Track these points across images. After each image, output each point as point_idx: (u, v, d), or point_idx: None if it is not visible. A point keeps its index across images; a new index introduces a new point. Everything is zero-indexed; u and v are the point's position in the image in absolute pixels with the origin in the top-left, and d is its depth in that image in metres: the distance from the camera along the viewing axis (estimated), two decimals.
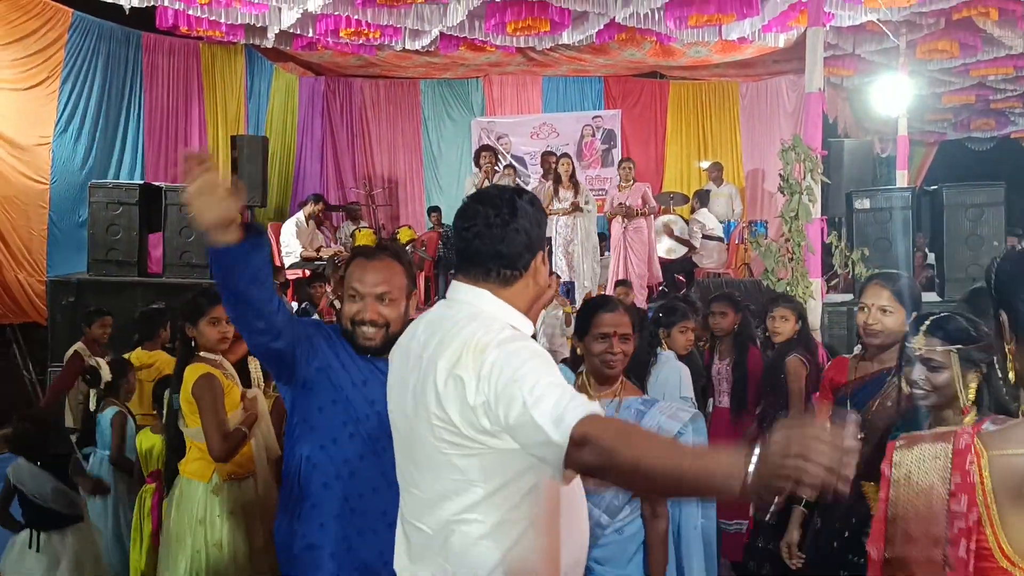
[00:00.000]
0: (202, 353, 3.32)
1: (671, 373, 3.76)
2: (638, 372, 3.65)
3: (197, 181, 1.86)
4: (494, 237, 1.73)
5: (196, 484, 3.27)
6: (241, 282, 2.07)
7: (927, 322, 2.37)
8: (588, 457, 1.45)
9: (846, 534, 2.86)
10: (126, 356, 4.92)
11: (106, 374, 4.44)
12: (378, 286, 2.34)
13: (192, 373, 3.21)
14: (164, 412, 3.60)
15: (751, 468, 1.27)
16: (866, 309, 2.92)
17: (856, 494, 2.88)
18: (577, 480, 1.76)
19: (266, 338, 2.22)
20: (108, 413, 4.33)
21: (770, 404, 4.16)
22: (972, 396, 2.25)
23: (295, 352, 2.29)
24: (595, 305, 2.72)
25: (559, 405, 1.50)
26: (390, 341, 2.28)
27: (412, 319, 2.15)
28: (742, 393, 4.46)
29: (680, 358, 4.18)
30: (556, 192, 8.93)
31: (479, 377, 1.59)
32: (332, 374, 2.33)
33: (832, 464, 1.22)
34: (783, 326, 4.26)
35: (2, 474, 3.79)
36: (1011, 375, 1.42)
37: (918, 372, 2.35)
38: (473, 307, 1.74)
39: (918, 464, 1.42)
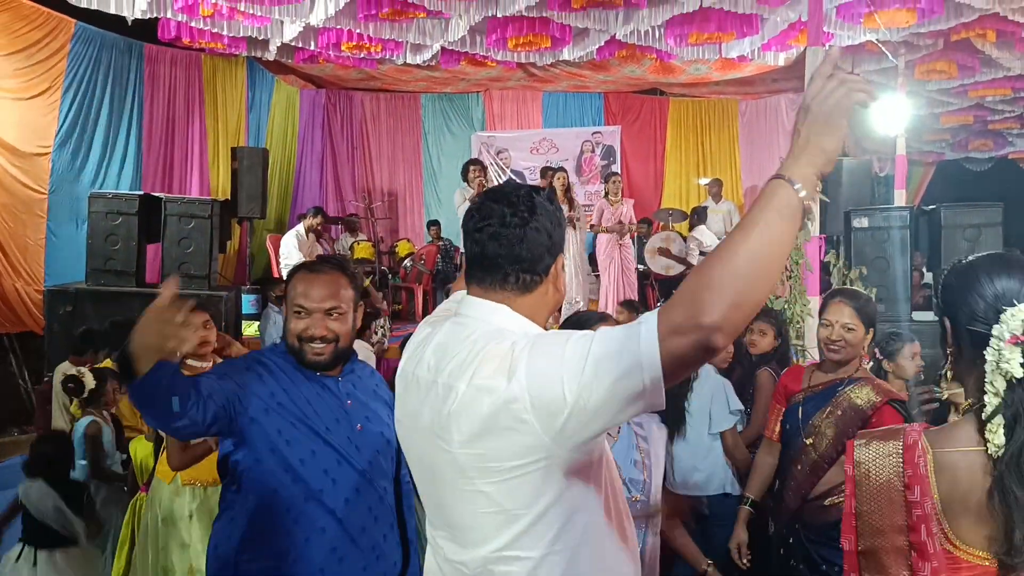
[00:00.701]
0: (188, 361, 3.35)
1: (716, 387, 3.74)
2: (676, 388, 3.71)
3: (164, 310, 1.88)
4: (512, 237, 1.54)
5: (162, 484, 3.33)
6: (159, 404, 2.01)
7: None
8: (677, 317, 1.26)
9: (791, 540, 2.96)
10: (103, 365, 4.94)
11: (89, 382, 4.43)
12: (326, 301, 2.26)
13: None
14: None
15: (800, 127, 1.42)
16: (829, 325, 3.06)
17: (802, 501, 3.00)
18: (625, 510, 1.65)
19: (206, 426, 2.12)
20: (83, 423, 4.31)
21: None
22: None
23: (243, 432, 2.18)
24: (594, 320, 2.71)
25: (617, 330, 1.34)
26: (339, 356, 2.30)
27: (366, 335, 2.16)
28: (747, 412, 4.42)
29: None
30: None
31: (511, 371, 1.40)
32: (286, 409, 2.20)
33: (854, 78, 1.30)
34: (760, 340, 4.23)
35: (9, 483, 3.80)
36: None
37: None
38: (489, 325, 1.55)
39: (874, 461, 1.53)
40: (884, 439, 1.54)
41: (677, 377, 1.31)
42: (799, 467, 3.02)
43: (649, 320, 1.30)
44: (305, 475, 2.16)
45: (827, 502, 2.95)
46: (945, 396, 2.58)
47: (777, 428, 3.25)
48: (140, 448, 3.94)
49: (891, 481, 1.49)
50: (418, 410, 1.59)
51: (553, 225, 1.58)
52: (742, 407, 3.84)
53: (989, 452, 1.41)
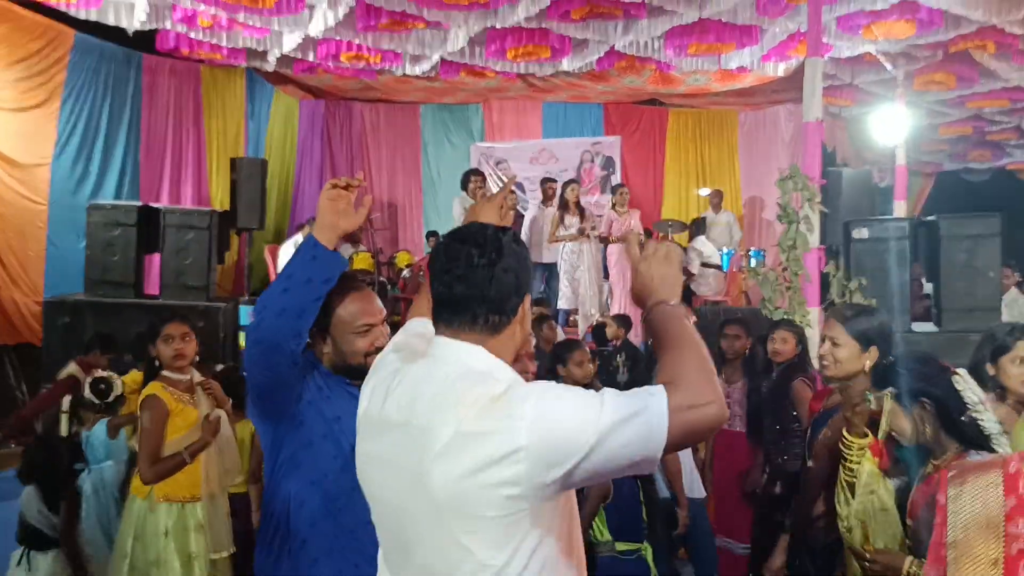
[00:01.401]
0: (164, 372, 3.38)
1: None
2: None
3: (342, 193, 2.15)
4: (480, 279, 1.54)
5: (136, 499, 3.32)
6: (321, 289, 2.10)
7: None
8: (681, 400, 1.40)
9: (796, 562, 2.97)
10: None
11: (118, 389, 4.43)
12: (381, 312, 2.31)
13: (145, 392, 3.29)
14: None
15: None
16: (822, 340, 2.95)
17: (829, 521, 2.94)
18: (578, 537, 1.65)
19: (287, 362, 2.12)
20: (100, 426, 4.30)
21: (773, 426, 4.20)
22: (934, 427, 2.34)
23: (296, 385, 2.18)
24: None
25: (627, 397, 1.42)
26: None
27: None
28: (758, 418, 4.47)
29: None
30: (562, 218, 8.94)
31: (510, 418, 1.41)
32: (322, 406, 2.21)
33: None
34: (783, 347, 4.33)
35: (8, 495, 3.81)
36: None
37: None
38: (463, 365, 1.54)
39: (972, 493, 1.48)
40: (984, 470, 1.49)
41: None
42: (805, 487, 3.05)
43: (659, 396, 1.41)
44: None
45: (823, 522, 2.93)
46: None
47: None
48: None
49: (990, 512, 1.43)
50: (389, 451, 1.57)
51: (520, 266, 1.59)
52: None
53: None
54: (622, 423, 1.38)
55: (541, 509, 1.46)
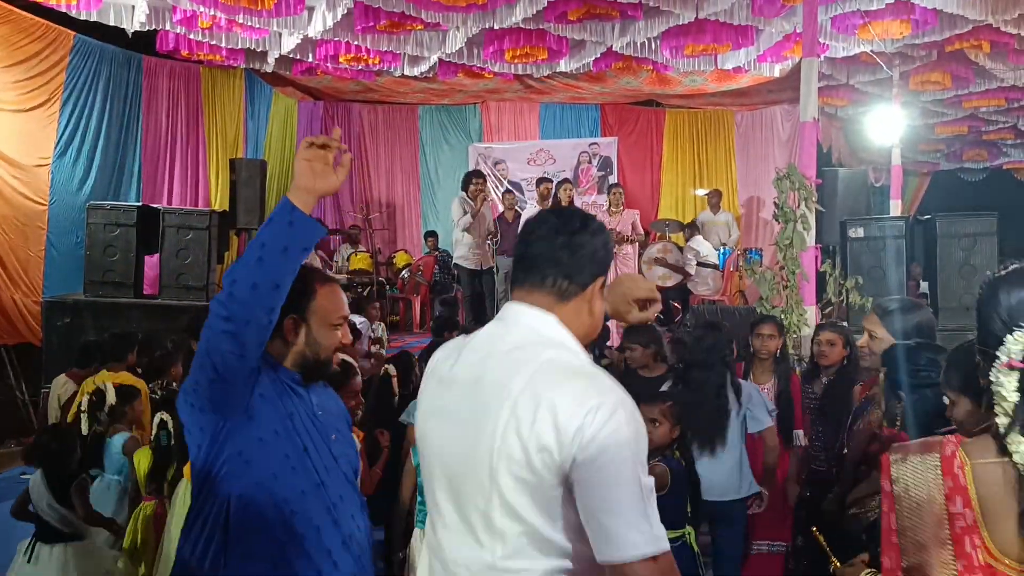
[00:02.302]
0: None
1: (750, 392, 4.02)
2: (721, 406, 3.87)
3: (319, 152, 1.92)
4: (557, 244, 1.63)
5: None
6: (299, 259, 1.93)
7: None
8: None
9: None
10: (91, 379, 4.94)
11: (111, 397, 4.43)
12: (347, 307, 2.21)
13: None
14: (154, 433, 3.65)
15: None
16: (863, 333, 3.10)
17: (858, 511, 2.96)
18: None
19: (256, 341, 1.91)
20: (119, 439, 4.30)
21: (828, 431, 4.04)
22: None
23: (255, 372, 1.98)
24: None
25: (654, 514, 1.48)
26: None
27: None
28: (789, 421, 4.42)
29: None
30: None
31: (585, 409, 1.46)
32: (277, 401, 2.02)
33: None
34: (830, 351, 4.22)
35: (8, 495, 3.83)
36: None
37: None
38: (537, 332, 1.61)
39: (913, 475, 1.53)
40: (921, 452, 1.54)
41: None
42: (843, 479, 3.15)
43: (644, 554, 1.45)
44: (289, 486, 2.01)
45: (851, 513, 2.93)
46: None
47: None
48: (143, 458, 3.95)
49: (932, 493, 1.49)
50: (454, 405, 1.63)
51: (598, 246, 1.66)
52: (774, 406, 4.06)
53: (1016, 463, 1.42)
54: (616, 532, 1.45)
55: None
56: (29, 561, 3.57)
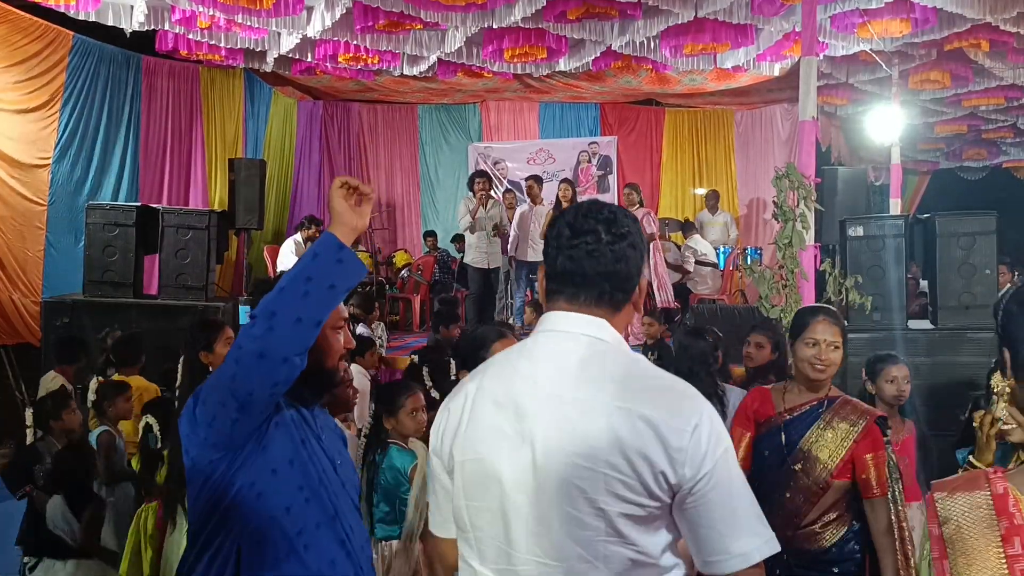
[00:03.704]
0: None
1: (738, 400, 3.82)
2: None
3: (353, 192, 1.91)
4: (609, 255, 1.54)
5: None
6: (339, 298, 1.87)
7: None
8: None
9: (777, 571, 2.87)
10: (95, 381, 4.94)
11: (91, 395, 4.43)
12: (344, 309, 2.09)
13: None
14: (140, 436, 3.63)
15: None
16: (816, 345, 2.93)
17: (795, 529, 2.89)
18: None
19: (286, 379, 1.82)
20: (96, 432, 4.31)
21: None
22: None
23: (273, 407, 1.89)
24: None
25: (766, 534, 1.50)
26: None
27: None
28: None
29: None
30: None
31: (692, 426, 1.45)
32: (290, 427, 1.93)
33: None
34: (757, 353, 4.29)
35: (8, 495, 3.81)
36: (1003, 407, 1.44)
37: (1000, 411, 2.42)
38: (597, 339, 1.54)
39: (965, 515, 1.40)
40: (969, 489, 1.41)
41: None
42: (788, 495, 2.91)
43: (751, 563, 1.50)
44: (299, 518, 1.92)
45: (818, 526, 2.89)
46: (994, 430, 2.51)
47: (741, 455, 3.02)
48: (135, 462, 3.94)
49: (986, 535, 1.37)
50: (518, 427, 1.50)
51: (642, 245, 1.61)
52: None
53: None
54: (723, 545, 1.48)
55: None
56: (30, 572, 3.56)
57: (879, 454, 2.88)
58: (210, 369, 3.25)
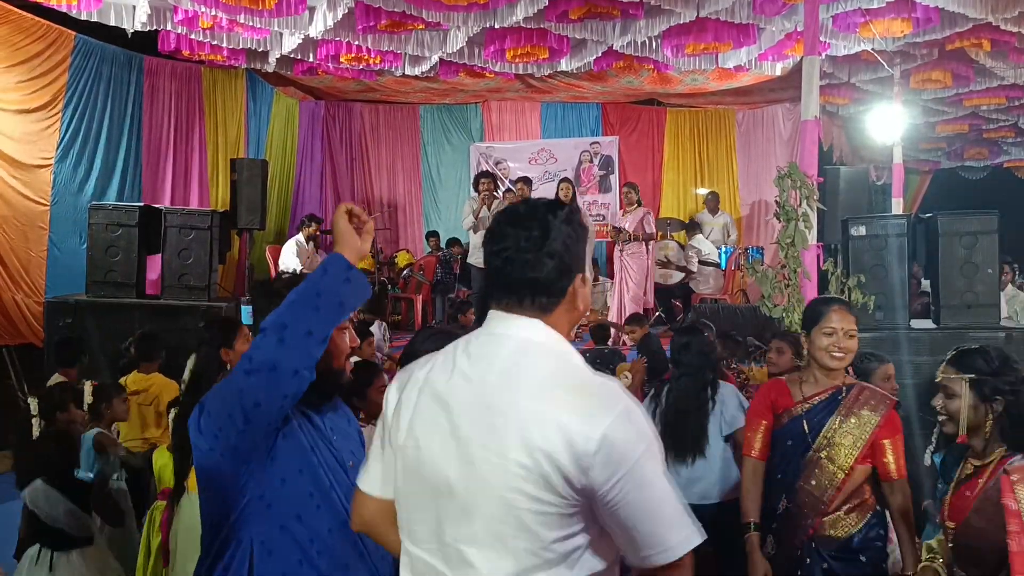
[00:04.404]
0: None
1: (727, 393, 3.96)
2: (700, 411, 3.83)
3: (356, 219, 1.95)
4: (525, 263, 1.56)
5: (196, 498, 3.29)
6: (345, 316, 1.91)
7: (951, 353, 2.55)
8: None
9: (807, 559, 2.93)
10: (122, 380, 4.95)
11: (87, 397, 4.44)
12: None
13: None
14: (172, 431, 3.63)
15: None
16: (833, 333, 3.01)
17: (809, 516, 2.96)
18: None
19: (295, 393, 1.86)
20: (90, 434, 4.31)
21: None
22: (988, 427, 2.40)
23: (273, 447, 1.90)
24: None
25: (683, 511, 1.52)
26: None
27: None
28: None
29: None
30: None
31: (597, 451, 1.43)
32: (298, 435, 1.95)
33: None
34: (778, 359, 4.43)
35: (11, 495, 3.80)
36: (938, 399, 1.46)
37: (937, 399, 2.55)
38: (530, 341, 1.57)
39: None
40: None
41: None
42: (814, 482, 2.97)
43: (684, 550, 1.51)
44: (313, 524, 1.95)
45: (843, 511, 2.94)
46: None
47: (759, 446, 3.15)
48: (159, 457, 3.94)
49: None
50: (452, 427, 1.55)
51: (567, 247, 1.58)
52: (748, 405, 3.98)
53: None
54: (653, 531, 1.48)
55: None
56: (51, 567, 3.55)
57: (897, 438, 2.98)
58: (228, 367, 3.26)
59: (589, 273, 1.69)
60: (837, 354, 3.00)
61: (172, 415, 3.71)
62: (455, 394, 1.57)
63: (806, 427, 3.02)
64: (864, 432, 2.93)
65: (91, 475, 4.21)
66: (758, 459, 3.15)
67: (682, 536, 1.49)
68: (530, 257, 1.56)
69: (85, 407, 4.49)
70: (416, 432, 1.61)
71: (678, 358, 3.97)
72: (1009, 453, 2.30)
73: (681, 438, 3.78)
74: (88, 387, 4.55)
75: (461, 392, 1.56)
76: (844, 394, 3.02)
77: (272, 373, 1.78)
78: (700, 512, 3.69)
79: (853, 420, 2.96)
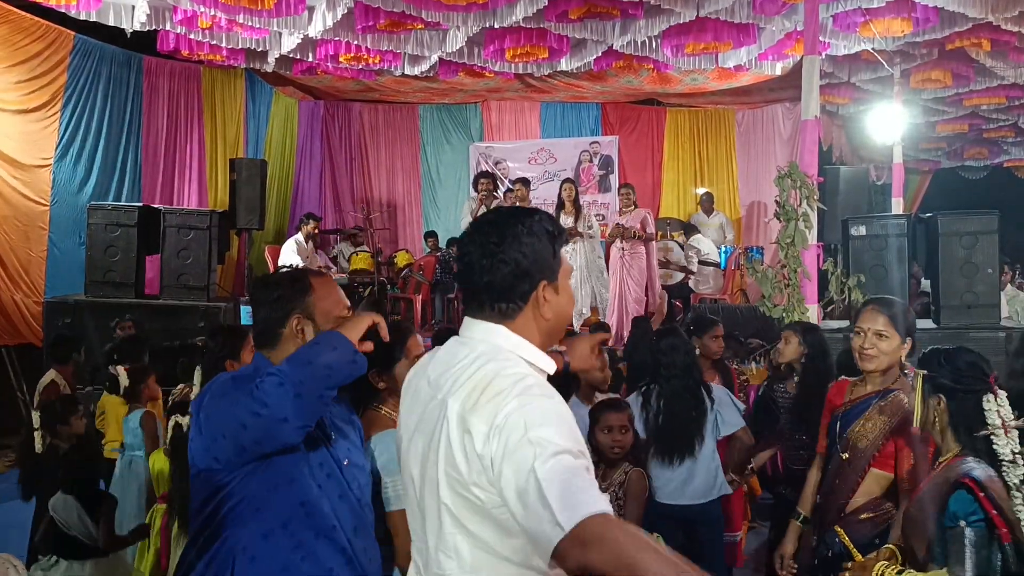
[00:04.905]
0: None
1: (721, 396, 3.99)
2: (695, 413, 3.85)
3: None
4: (480, 269, 1.60)
5: None
6: (347, 381, 1.96)
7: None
8: (593, 557, 1.29)
9: (829, 554, 2.94)
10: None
11: (124, 380, 4.49)
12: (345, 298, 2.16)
13: None
14: (170, 436, 3.63)
15: None
16: (861, 333, 2.99)
17: (838, 513, 2.98)
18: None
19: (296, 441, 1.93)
20: (135, 415, 4.39)
21: (806, 429, 4.07)
22: (944, 421, 2.42)
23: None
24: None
25: (575, 488, 1.34)
26: None
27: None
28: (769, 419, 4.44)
29: (715, 364, 4.67)
30: (558, 217, 8.97)
31: (491, 426, 1.44)
32: (299, 445, 1.98)
33: None
34: (784, 348, 4.33)
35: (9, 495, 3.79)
36: None
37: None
38: (487, 344, 1.60)
39: None
40: None
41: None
42: (838, 481, 3.02)
43: (581, 516, 1.31)
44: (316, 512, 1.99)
45: (863, 517, 2.95)
46: None
47: (822, 442, 3.22)
48: (157, 460, 3.93)
49: None
50: (418, 424, 1.63)
51: (526, 255, 1.59)
52: (743, 406, 4.06)
53: None
54: (540, 499, 1.35)
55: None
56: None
57: (906, 449, 2.94)
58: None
59: (577, 281, 1.70)
60: (863, 353, 2.97)
61: (172, 422, 3.69)
62: (420, 395, 1.66)
63: (839, 428, 3.06)
64: (878, 438, 2.94)
65: (139, 453, 4.25)
66: (821, 455, 3.23)
67: (582, 514, 1.35)
68: (485, 263, 1.60)
69: (121, 391, 4.55)
70: (404, 434, 1.71)
71: (664, 360, 3.96)
72: (963, 453, 2.32)
73: (675, 440, 3.81)
74: (123, 371, 4.58)
75: (424, 393, 1.65)
76: (878, 399, 3.00)
77: (281, 424, 1.85)
78: (691, 512, 3.77)
79: (869, 425, 2.97)
